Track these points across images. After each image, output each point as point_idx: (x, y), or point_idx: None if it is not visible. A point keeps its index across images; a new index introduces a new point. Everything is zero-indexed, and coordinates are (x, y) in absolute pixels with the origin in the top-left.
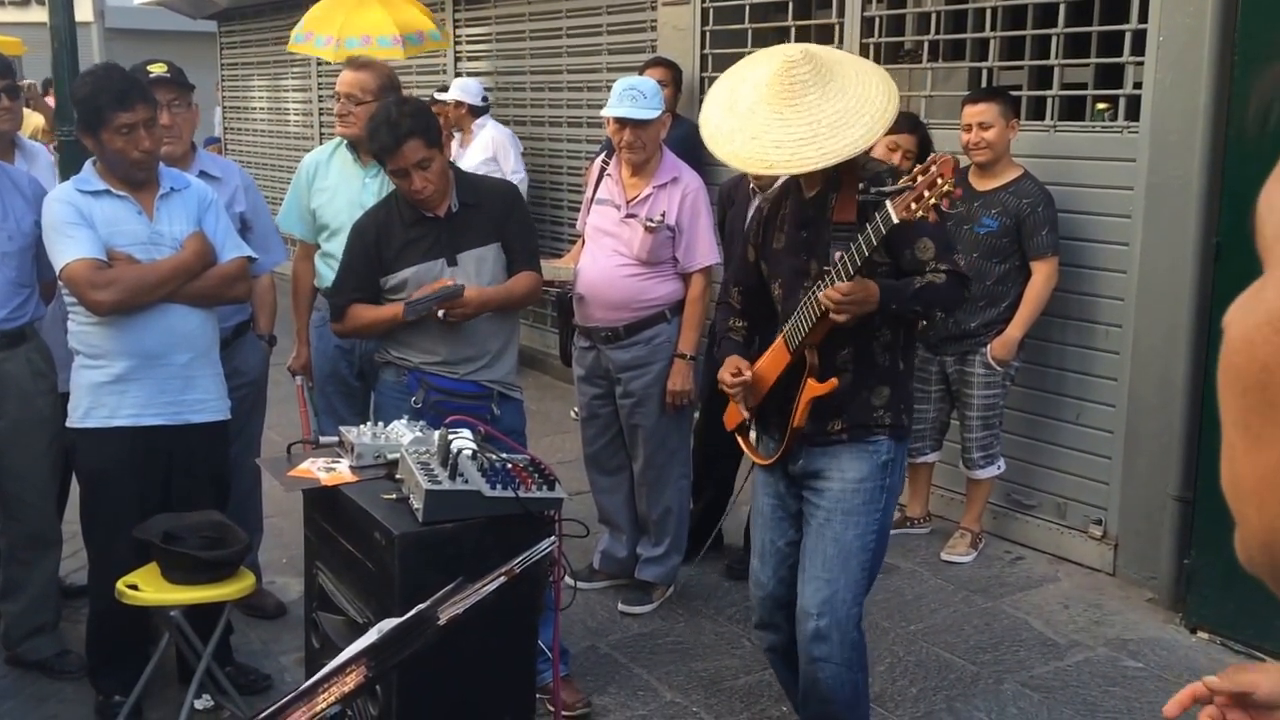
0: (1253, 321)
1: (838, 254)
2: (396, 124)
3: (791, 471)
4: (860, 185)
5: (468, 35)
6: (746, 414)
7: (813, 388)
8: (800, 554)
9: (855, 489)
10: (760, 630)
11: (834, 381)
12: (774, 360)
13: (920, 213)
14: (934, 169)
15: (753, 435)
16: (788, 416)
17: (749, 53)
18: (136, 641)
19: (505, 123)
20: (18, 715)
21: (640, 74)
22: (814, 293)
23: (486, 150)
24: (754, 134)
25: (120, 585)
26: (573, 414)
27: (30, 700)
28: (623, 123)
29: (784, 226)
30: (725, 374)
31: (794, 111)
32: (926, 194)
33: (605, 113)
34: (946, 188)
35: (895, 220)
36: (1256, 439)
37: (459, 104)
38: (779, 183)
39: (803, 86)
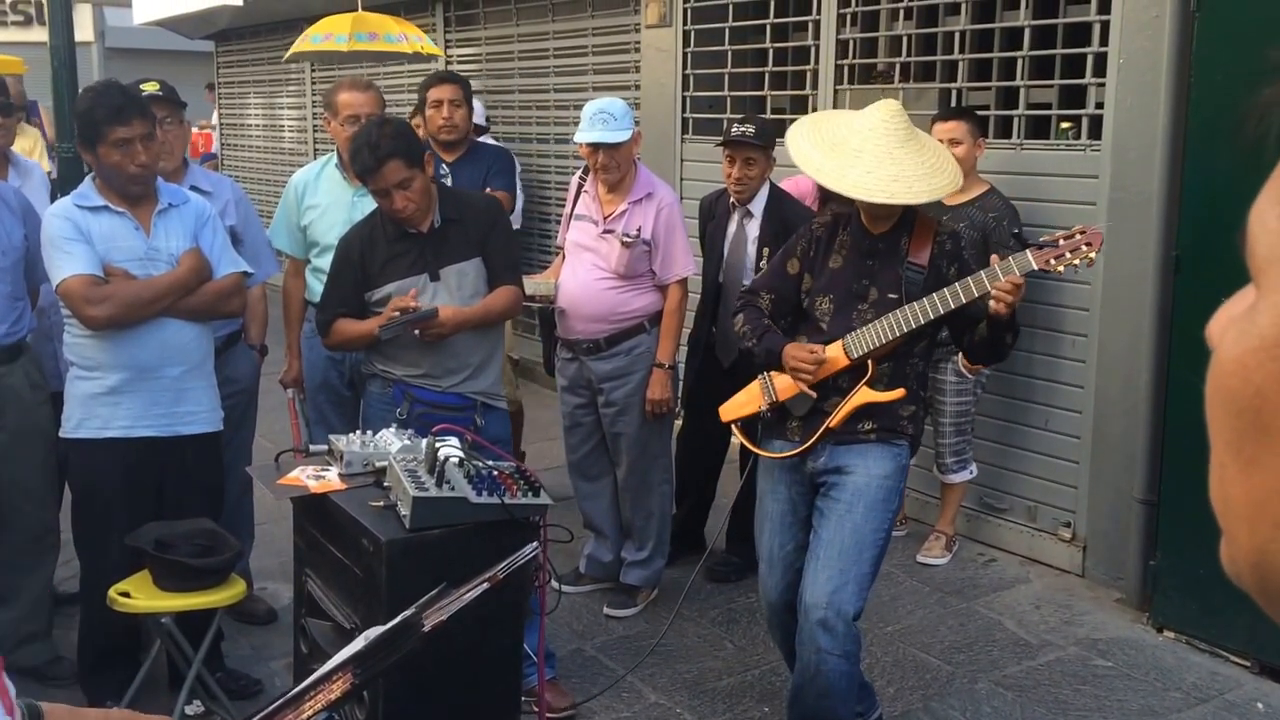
0: (1246, 346)
1: (994, 256)
2: (377, 145)
3: (811, 468)
4: (937, 234)
5: (458, 55)
6: (765, 407)
7: (867, 394)
8: (814, 544)
9: (879, 483)
10: (772, 629)
11: (901, 391)
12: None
13: (1059, 268)
14: (1079, 237)
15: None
16: (820, 416)
17: (728, 73)
18: (128, 648)
19: (494, 139)
20: None
21: (429, 89)
22: (896, 311)
23: None
24: (868, 168)
25: (112, 593)
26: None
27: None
28: (595, 147)
29: (843, 251)
30: (803, 355)
31: (904, 152)
32: (1069, 255)
33: (578, 138)
34: (1091, 255)
35: (1034, 267)
36: (1249, 463)
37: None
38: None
39: (904, 134)
